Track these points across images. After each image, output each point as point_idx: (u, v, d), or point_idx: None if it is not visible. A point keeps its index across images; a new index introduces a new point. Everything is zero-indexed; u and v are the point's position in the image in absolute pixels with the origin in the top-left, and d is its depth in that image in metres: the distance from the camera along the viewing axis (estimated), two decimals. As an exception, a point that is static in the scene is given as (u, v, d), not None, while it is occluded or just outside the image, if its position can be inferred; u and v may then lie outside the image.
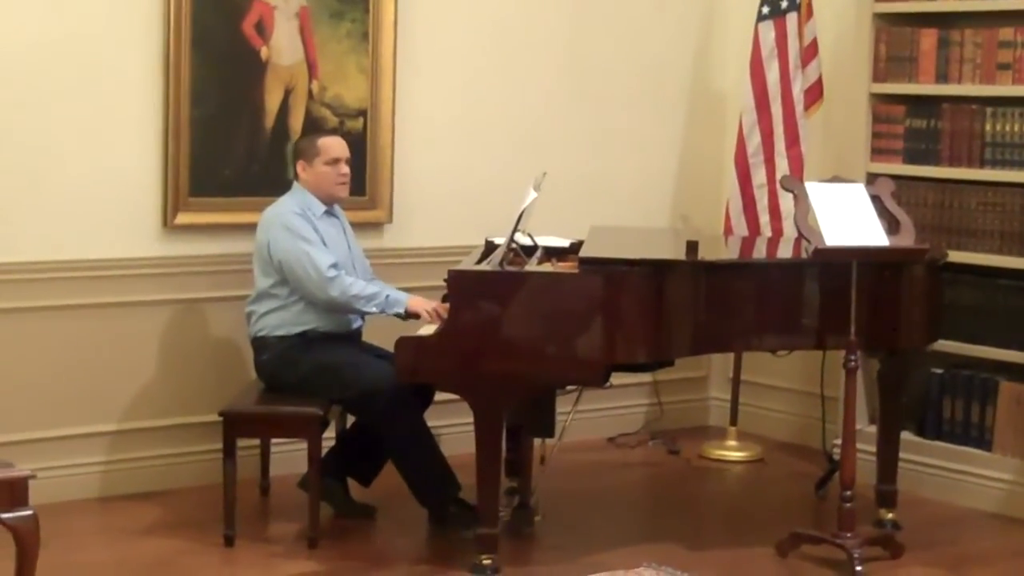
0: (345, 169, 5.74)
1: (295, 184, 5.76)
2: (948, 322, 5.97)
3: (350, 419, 5.92)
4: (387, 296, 5.55)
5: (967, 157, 6.25)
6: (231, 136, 6.13)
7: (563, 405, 5.78)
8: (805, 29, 6.81)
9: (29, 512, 4.02)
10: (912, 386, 6.20)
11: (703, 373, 7.60)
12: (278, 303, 5.62)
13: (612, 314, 5.01)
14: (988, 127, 6.17)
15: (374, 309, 5.55)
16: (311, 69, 6.29)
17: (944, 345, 6.11)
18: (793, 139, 6.80)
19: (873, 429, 6.07)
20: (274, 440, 5.98)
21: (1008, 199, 6.09)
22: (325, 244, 5.61)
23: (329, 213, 5.75)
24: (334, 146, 5.75)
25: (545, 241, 5.76)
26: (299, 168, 5.73)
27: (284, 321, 5.62)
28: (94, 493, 5.95)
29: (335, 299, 5.51)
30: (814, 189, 5.28)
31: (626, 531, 5.89)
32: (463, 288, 5.07)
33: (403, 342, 5.06)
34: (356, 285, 5.53)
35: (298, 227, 5.56)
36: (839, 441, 5.52)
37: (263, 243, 5.64)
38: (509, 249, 5.30)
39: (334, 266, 5.52)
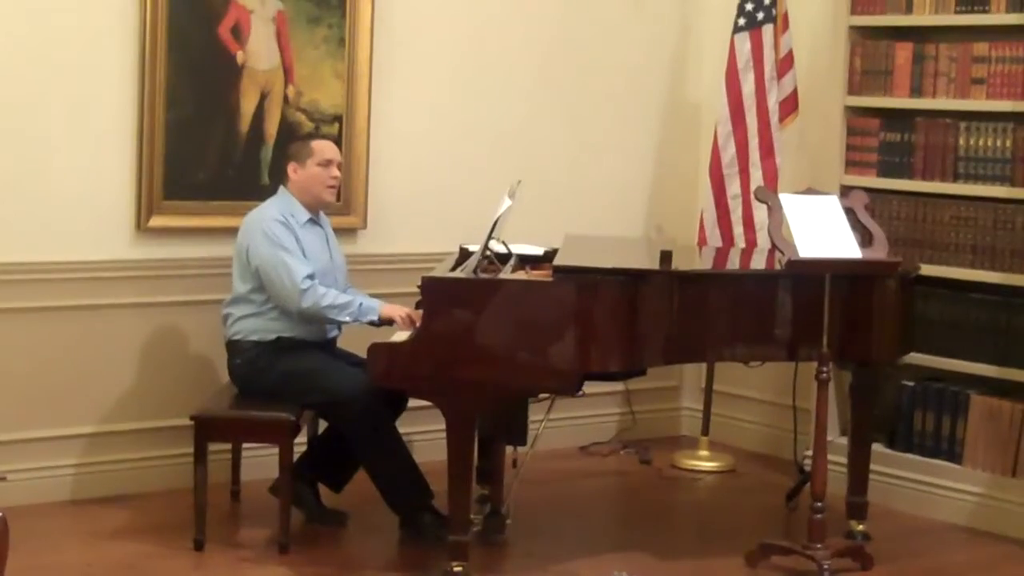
0: (336, 172, 5.74)
1: (281, 189, 5.74)
2: (920, 335, 6.00)
3: (322, 425, 5.91)
4: (360, 304, 5.54)
5: (940, 171, 6.27)
6: (206, 140, 6.12)
7: (535, 413, 5.78)
8: (781, 41, 6.84)
9: (-2, 514, 4.00)
10: (883, 398, 6.22)
11: (675, 383, 7.61)
12: (254, 308, 5.61)
13: (585, 323, 5.01)
14: (962, 141, 6.19)
15: (347, 318, 5.55)
16: (287, 74, 6.29)
17: (916, 358, 6.13)
18: (768, 150, 6.81)
19: (844, 441, 6.08)
20: (245, 445, 5.97)
21: (981, 213, 6.12)
22: (305, 254, 5.59)
23: (313, 222, 5.74)
24: (327, 148, 5.75)
25: (519, 249, 5.76)
26: (290, 170, 5.72)
27: (259, 327, 5.61)
28: (65, 496, 5.93)
29: (307, 310, 5.50)
30: (788, 201, 5.30)
31: (597, 540, 5.89)
32: (437, 295, 5.07)
33: (376, 348, 5.06)
34: (328, 296, 5.52)
35: (278, 235, 5.55)
36: (810, 452, 5.53)
37: (243, 247, 5.62)
38: (483, 256, 5.31)
39: (309, 277, 5.50)
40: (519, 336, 5.00)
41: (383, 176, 6.57)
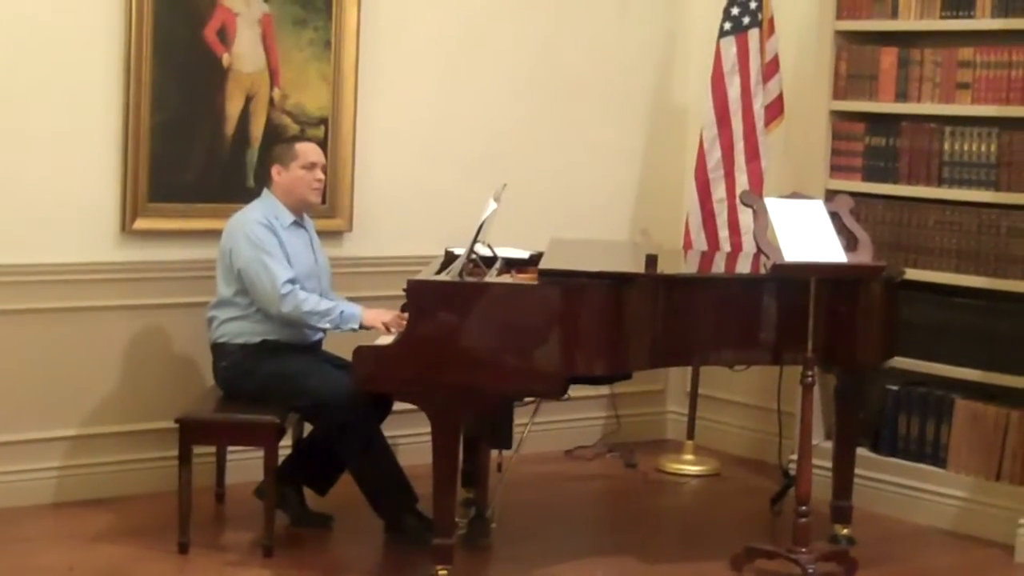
0: (320, 175, 5.73)
1: (265, 191, 5.74)
2: (904, 339, 6.01)
3: (307, 428, 5.90)
4: (341, 312, 5.53)
5: (925, 175, 6.28)
6: (191, 142, 6.11)
7: (521, 417, 5.77)
8: (767, 45, 6.84)
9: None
10: (868, 402, 6.23)
11: (661, 387, 7.61)
12: (239, 311, 5.60)
13: (571, 326, 5.01)
14: (946, 146, 6.21)
15: (328, 325, 5.53)
16: (273, 76, 6.28)
17: (900, 362, 6.14)
18: (753, 154, 6.82)
19: (829, 445, 6.09)
20: (230, 448, 5.95)
21: (965, 218, 6.13)
22: (289, 256, 5.58)
23: (297, 224, 5.73)
24: (311, 151, 5.74)
25: (505, 252, 5.76)
26: (274, 172, 5.71)
27: (244, 329, 5.60)
28: (48, 499, 5.91)
29: (287, 315, 5.50)
30: (773, 205, 5.30)
31: (582, 543, 5.89)
32: (422, 298, 5.06)
33: (361, 351, 5.05)
34: (309, 301, 5.51)
35: (260, 238, 5.54)
36: (795, 456, 5.53)
37: (226, 250, 5.61)
38: (469, 260, 5.31)
39: (290, 281, 5.49)
40: (504, 339, 5.00)
41: (369, 179, 6.56)
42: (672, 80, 7.53)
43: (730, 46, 6.86)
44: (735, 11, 6.85)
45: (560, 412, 6.84)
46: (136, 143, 5.95)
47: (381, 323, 5.50)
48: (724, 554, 5.49)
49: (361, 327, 5.54)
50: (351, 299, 5.74)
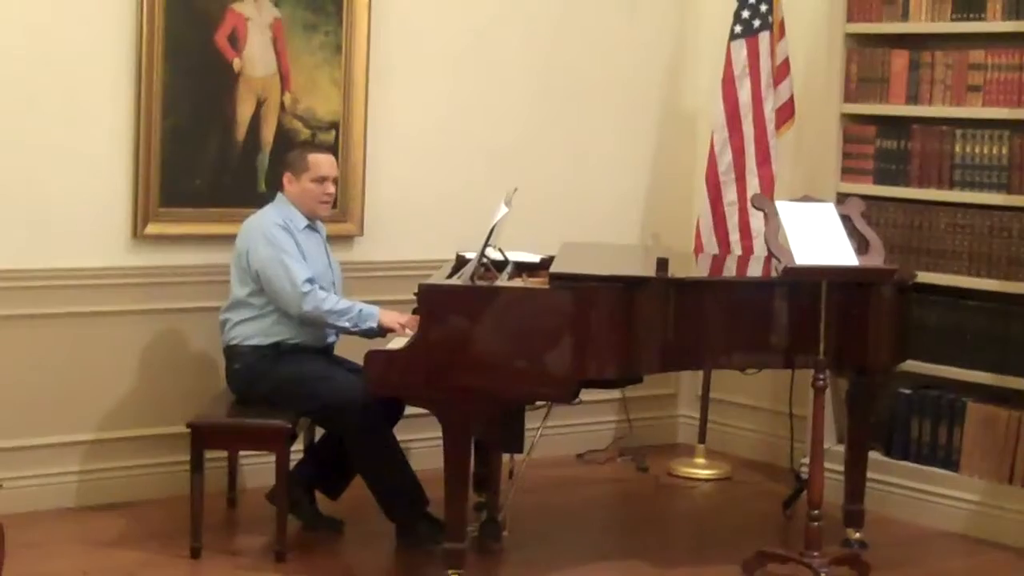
0: (331, 188, 5.74)
1: (279, 195, 5.75)
2: (916, 342, 6.00)
3: (319, 432, 5.91)
4: (360, 311, 5.54)
5: (937, 178, 6.27)
6: (202, 147, 6.12)
7: (532, 421, 5.76)
8: (777, 48, 6.84)
9: (-6, 522, 4.00)
10: (880, 406, 6.22)
11: (672, 390, 7.60)
12: (253, 312, 5.61)
13: (582, 330, 5.01)
14: (958, 148, 6.20)
15: (346, 324, 5.54)
16: (283, 81, 6.29)
17: (912, 365, 6.13)
18: (764, 158, 6.82)
19: (841, 448, 6.08)
20: (242, 452, 5.97)
21: (977, 220, 6.12)
22: (304, 258, 5.60)
23: (311, 228, 5.75)
24: (323, 164, 5.74)
25: (516, 256, 5.76)
26: (285, 180, 5.73)
27: (258, 331, 5.61)
28: (61, 503, 5.92)
29: (308, 313, 5.51)
30: (784, 208, 5.29)
31: (593, 547, 5.88)
32: (433, 302, 5.07)
33: (373, 356, 5.05)
34: (329, 300, 5.53)
35: (279, 239, 5.55)
36: (807, 460, 5.53)
37: (242, 252, 5.62)
38: (480, 264, 5.31)
39: (310, 280, 5.51)
40: (516, 343, 5.00)
41: (380, 183, 6.57)
42: (683, 84, 7.53)
43: (740, 49, 6.86)
44: (745, 14, 6.85)
45: (571, 416, 6.84)
46: (147, 148, 5.96)
47: (398, 324, 5.50)
48: (736, 558, 5.48)
49: (379, 326, 5.54)
50: (363, 303, 5.73)
